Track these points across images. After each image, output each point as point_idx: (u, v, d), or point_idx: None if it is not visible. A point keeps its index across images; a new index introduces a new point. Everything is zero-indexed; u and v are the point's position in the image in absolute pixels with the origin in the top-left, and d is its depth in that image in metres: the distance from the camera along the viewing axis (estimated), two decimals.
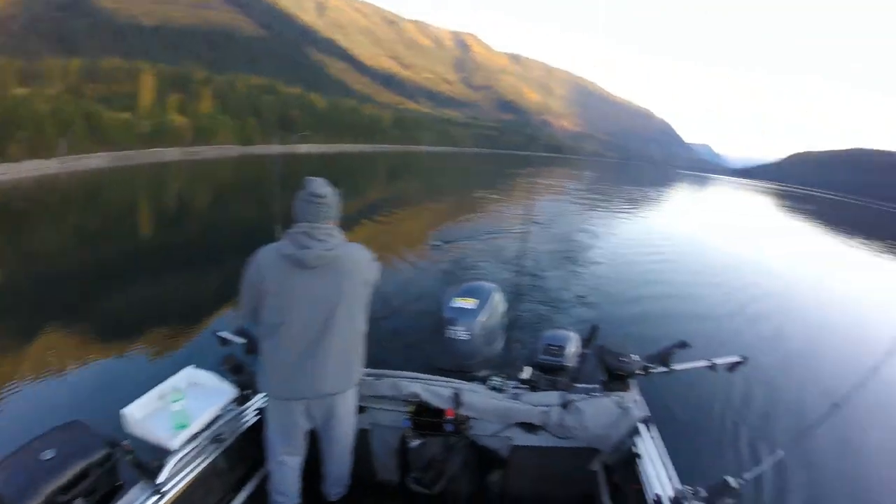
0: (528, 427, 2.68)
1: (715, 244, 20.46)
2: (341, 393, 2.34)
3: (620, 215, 24.77)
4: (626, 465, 2.53)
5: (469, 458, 2.74)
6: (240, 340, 2.75)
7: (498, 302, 3.28)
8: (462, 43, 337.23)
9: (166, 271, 11.61)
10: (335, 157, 54.05)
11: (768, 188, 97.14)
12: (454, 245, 12.57)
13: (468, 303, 3.11)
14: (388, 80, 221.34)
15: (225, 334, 2.84)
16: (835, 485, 5.67)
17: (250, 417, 2.60)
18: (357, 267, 2.28)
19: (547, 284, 10.69)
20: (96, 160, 39.50)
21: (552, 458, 2.78)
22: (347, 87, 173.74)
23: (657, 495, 2.03)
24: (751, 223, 37.06)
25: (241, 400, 2.57)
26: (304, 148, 58.87)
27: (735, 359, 3.13)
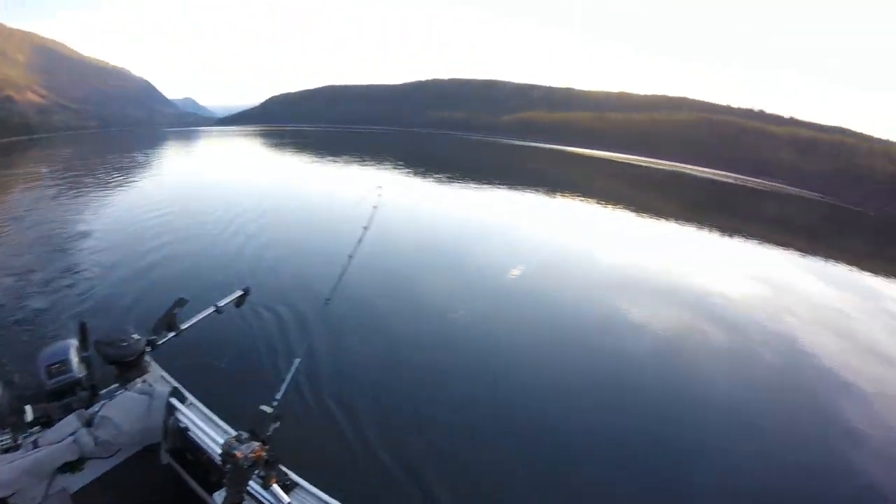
0: (71, 466, 2.44)
1: (205, 193, 21.08)
2: None
3: (107, 190, 23.51)
4: (184, 442, 2.58)
5: None
6: None
7: None
8: None
9: None
10: None
11: (251, 131, 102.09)
12: None
13: None
14: None
15: None
16: (349, 364, 6.73)
17: None
18: None
19: (23, 295, 8.98)
20: None
21: (119, 478, 2.61)
22: None
23: (221, 454, 2.02)
24: (235, 164, 40.39)
25: None
26: None
27: (237, 293, 3.41)
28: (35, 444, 2.34)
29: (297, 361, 2.49)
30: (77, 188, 23.84)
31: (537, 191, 28.64)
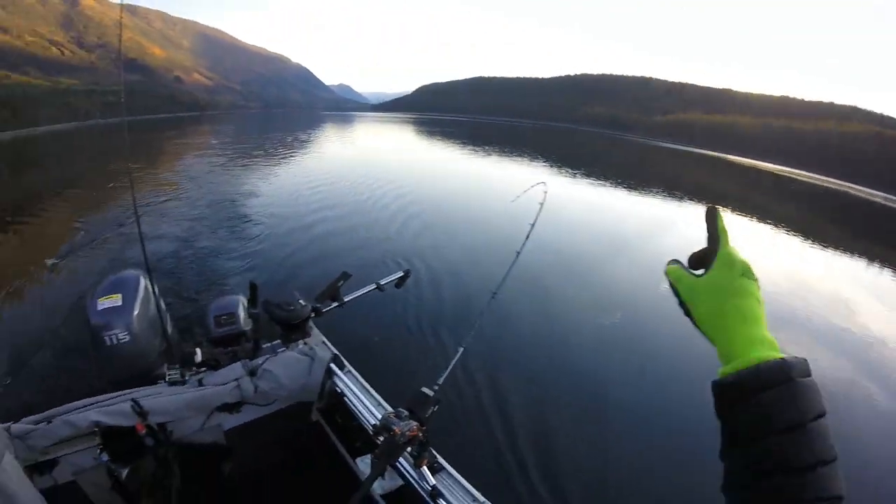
0: (230, 407, 2.60)
1: (367, 174, 20.99)
2: None
3: (273, 162, 24.60)
4: (337, 406, 2.67)
5: (187, 462, 2.56)
6: None
7: (148, 288, 3.00)
8: None
9: None
10: None
11: (405, 118, 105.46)
12: (87, 249, 10.32)
13: (114, 300, 2.81)
14: None
15: None
16: (510, 359, 6.48)
17: None
18: None
19: (202, 254, 9.82)
20: None
21: (269, 426, 2.73)
22: None
23: (373, 425, 2.08)
24: (395, 149, 40.51)
25: None
26: None
27: (399, 274, 3.38)
28: (200, 383, 2.52)
29: (460, 350, 2.51)
30: (245, 159, 24.99)
31: (702, 202, 25.80)
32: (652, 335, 7.92)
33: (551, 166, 33.60)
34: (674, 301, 0.78)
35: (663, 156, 72.84)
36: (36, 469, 2.24)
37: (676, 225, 17.95)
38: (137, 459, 2.35)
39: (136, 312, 2.81)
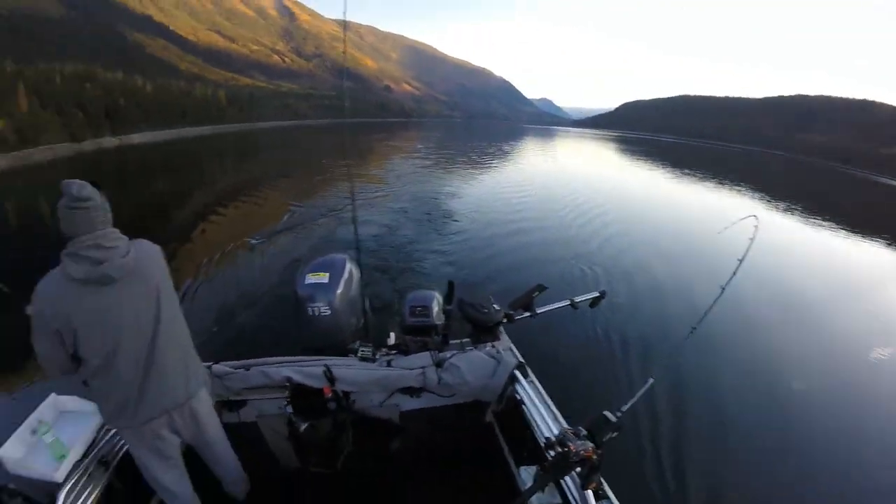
0: (411, 391, 2.73)
1: (568, 188, 20.73)
2: (195, 396, 2.19)
3: (473, 169, 24.99)
4: (513, 412, 2.62)
5: (361, 431, 2.73)
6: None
7: (353, 271, 3.17)
8: (286, 11, 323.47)
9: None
10: (174, 144, 50.19)
11: (605, 135, 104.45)
12: (301, 226, 12.27)
13: (321, 277, 2.98)
14: (214, 56, 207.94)
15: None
16: (699, 403, 6.00)
17: None
18: (156, 263, 2.08)
19: (404, 245, 10.68)
20: None
21: (444, 416, 2.83)
22: (172, 66, 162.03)
23: (547, 437, 2.01)
24: (597, 165, 39.68)
25: None
26: (137, 138, 54.59)
27: (594, 294, 3.34)
28: (389, 364, 2.68)
29: (649, 381, 2.29)
30: (449, 163, 25.90)
31: None
32: (875, 415, 6.76)
33: (762, 198, 29.98)
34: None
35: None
36: (225, 405, 2.65)
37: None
38: (318, 418, 2.60)
39: (339, 291, 2.95)
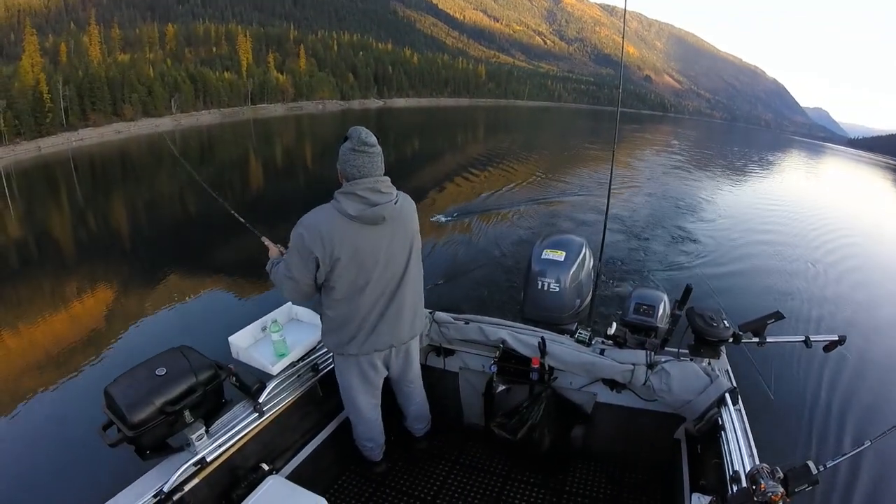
0: (613, 384, 2.68)
1: (831, 217, 18.54)
2: (415, 337, 2.41)
3: (734, 175, 24.19)
4: (708, 435, 2.44)
5: (552, 409, 2.73)
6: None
7: (587, 256, 3.14)
8: None
9: (278, 216, 11.32)
10: (432, 111, 55.87)
11: (886, 162, 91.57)
12: (547, 200, 13.22)
13: (557, 255, 3.01)
14: (478, 34, 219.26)
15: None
16: None
17: None
18: (414, 216, 2.24)
19: (642, 242, 10.78)
20: (208, 117, 45.00)
21: (636, 419, 2.77)
22: (439, 41, 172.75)
23: (735, 471, 1.96)
24: (864, 198, 33.44)
25: None
26: (401, 102, 61.90)
27: (833, 337, 2.76)
28: (601, 353, 2.62)
29: (865, 444, 1.93)
30: (705, 165, 25.11)
31: None
32: None
33: None
34: None
35: None
36: (434, 350, 2.90)
37: None
38: (517, 383, 2.72)
39: (571, 271, 2.98)
